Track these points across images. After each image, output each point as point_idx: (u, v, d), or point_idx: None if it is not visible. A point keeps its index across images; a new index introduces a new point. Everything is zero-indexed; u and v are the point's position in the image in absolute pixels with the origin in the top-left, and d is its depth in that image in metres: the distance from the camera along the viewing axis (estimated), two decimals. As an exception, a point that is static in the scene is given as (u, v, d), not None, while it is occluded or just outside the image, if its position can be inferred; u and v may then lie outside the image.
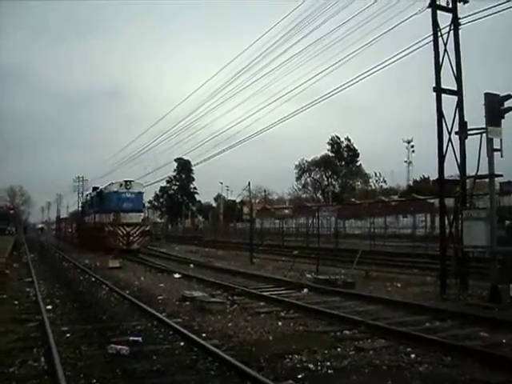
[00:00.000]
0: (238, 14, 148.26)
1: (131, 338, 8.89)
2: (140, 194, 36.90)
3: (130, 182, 36.32)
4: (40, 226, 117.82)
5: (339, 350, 8.54)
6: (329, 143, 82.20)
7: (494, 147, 12.77)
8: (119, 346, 8.25)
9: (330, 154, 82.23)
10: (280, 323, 10.76)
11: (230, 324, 10.66)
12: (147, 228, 36.90)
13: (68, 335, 9.52)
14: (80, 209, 54.63)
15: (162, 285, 17.03)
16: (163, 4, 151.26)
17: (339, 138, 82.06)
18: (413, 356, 8.03)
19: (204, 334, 9.56)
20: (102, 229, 34.84)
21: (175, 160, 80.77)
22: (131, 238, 33.72)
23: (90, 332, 9.75)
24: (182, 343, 8.90)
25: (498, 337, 9.11)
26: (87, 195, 49.82)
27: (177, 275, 19.83)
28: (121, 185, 35.78)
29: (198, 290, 15.07)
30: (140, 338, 8.92)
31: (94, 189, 44.47)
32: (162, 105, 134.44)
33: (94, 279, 18.69)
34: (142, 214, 37.65)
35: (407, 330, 9.50)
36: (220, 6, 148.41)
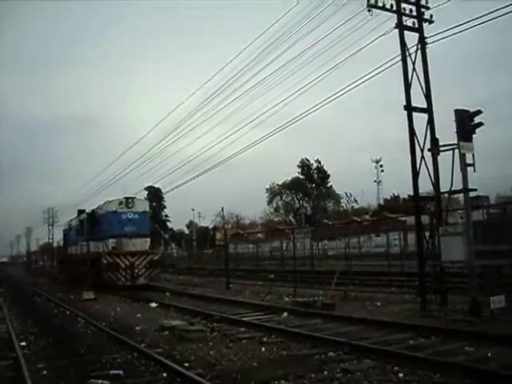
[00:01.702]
0: (207, 39, 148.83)
1: (112, 372, 8.57)
2: (145, 213, 29.90)
3: (133, 198, 29.48)
4: (3, 260, 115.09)
5: (326, 373, 8.39)
6: (299, 166, 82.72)
7: (467, 162, 12.90)
8: (100, 381, 7.96)
9: (301, 177, 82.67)
10: (263, 348, 10.57)
11: (211, 352, 10.42)
12: (156, 257, 29.09)
13: (45, 372, 9.14)
14: (62, 238, 44.90)
15: (138, 315, 16.65)
16: (134, 32, 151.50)
17: (309, 161, 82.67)
18: (401, 375, 7.93)
19: (186, 364, 9.31)
20: (97, 260, 27.49)
21: (146, 188, 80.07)
22: (136, 270, 26.89)
23: (68, 368, 9.36)
24: (164, 374, 8.63)
25: (483, 350, 9.09)
26: (70, 221, 41.09)
27: (153, 304, 19.47)
28: (120, 203, 28.67)
29: (176, 319, 14.79)
30: (121, 371, 8.60)
31: (80, 212, 37.72)
32: (133, 133, 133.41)
33: (68, 312, 18.20)
34: (149, 239, 29.91)
35: (392, 349, 9.42)
36: (190, 31, 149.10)
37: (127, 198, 29.00)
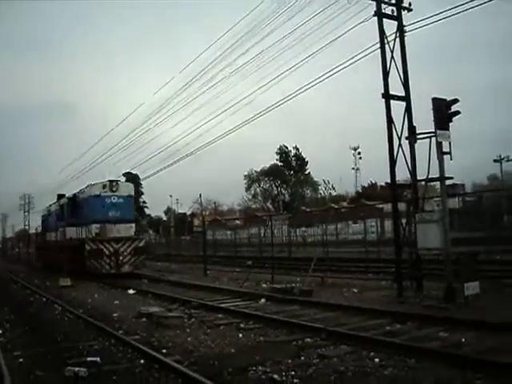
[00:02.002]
0: (186, 23, 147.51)
1: (89, 359, 8.50)
2: (130, 197, 28.16)
3: (117, 182, 27.97)
4: None
5: (303, 358, 8.46)
6: (277, 153, 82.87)
7: (444, 150, 13.02)
8: (77, 368, 7.87)
9: (279, 164, 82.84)
10: (240, 335, 10.62)
11: (189, 338, 10.43)
12: (141, 243, 27.31)
13: (21, 360, 9.05)
14: (40, 224, 42.58)
15: (116, 301, 16.58)
16: (111, 16, 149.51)
17: (287, 148, 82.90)
18: (377, 360, 8.03)
19: (164, 350, 9.31)
20: (79, 247, 25.80)
21: (123, 174, 79.40)
22: (121, 257, 25.45)
23: (44, 355, 9.28)
24: (142, 361, 8.61)
25: (457, 336, 9.26)
26: (49, 206, 38.73)
27: (131, 291, 19.42)
28: (104, 186, 26.92)
29: (153, 306, 14.77)
30: (98, 359, 8.52)
31: (60, 197, 35.32)
32: (112, 120, 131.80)
33: (45, 299, 18.05)
34: (134, 224, 28.15)
35: (369, 335, 9.52)
36: (169, 15, 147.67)
37: (111, 182, 27.28)
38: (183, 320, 12.48)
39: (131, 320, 12.95)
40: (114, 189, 26.90)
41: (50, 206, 38.30)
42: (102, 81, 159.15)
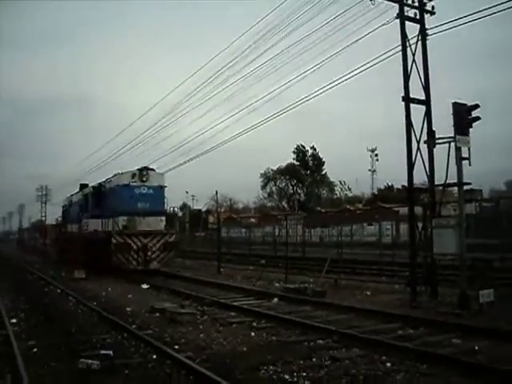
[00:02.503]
0: (208, 20, 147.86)
1: (102, 352, 8.60)
2: (161, 188, 25.63)
3: (148, 170, 25.41)
4: None
5: (314, 360, 8.48)
6: (294, 152, 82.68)
7: (463, 156, 12.93)
8: (90, 361, 7.99)
9: (296, 163, 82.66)
10: (253, 333, 10.67)
11: (201, 335, 10.50)
12: (172, 238, 25.20)
13: (35, 350, 9.22)
14: (61, 215, 40.29)
15: (130, 295, 16.72)
16: (131, 12, 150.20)
17: (304, 147, 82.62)
18: (388, 365, 8.03)
19: (176, 346, 9.39)
20: (105, 240, 24.18)
21: (138, 169, 79.91)
22: (149, 253, 23.82)
23: (58, 346, 9.42)
24: (154, 356, 8.70)
25: (471, 343, 9.20)
26: (71, 196, 36.66)
27: (145, 285, 19.53)
28: (133, 175, 24.86)
29: (167, 301, 14.89)
30: (111, 352, 8.62)
31: (83, 186, 33.28)
32: (131, 113, 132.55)
33: (59, 291, 18.24)
34: (164, 218, 25.86)
35: (381, 339, 9.51)
36: (190, 13, 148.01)
37: (141, 170, 25.06)
38: (196, 317, 12.55)
39: (144, 315, 13.06)
40: (144, 178, 24.83)
41: (72, 195, 36.23)
42: (122, 76, 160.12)
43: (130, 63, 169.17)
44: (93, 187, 28.55)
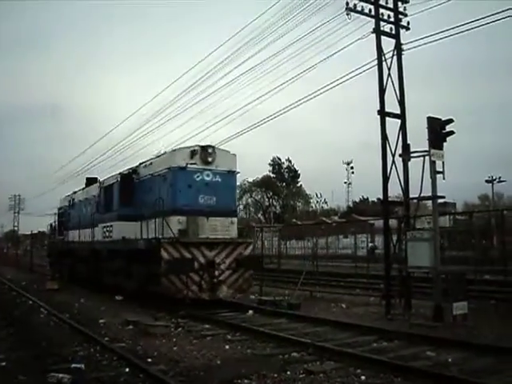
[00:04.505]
0: (184, 31, 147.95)
1: (73, 365, 8.45)
2: (233, 175, 17.58)
3: (213, 148, 17.07)
4: None
5: (289, 373, 8.40)
6: (270, 164, 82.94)
7: (437, 170, 13.06)
8: (60, 375, 7.82)
9: (271, 175, 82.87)
10: (227, 346, 10.56)
11: (175, 348, 10.37)
12: (248, 250, 16.78)
13: (4, 364, 8.98)
14: (56, 221, 31.12)
15: (103, 307, 16.45)
16: (103, 22, 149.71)
17: (280, 159, 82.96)
18: (363, 378, 8.00)
19: (149, 359, 9.25)
20: (147, 254, 15.82)
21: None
22: (217, 272, 15.69)
23: (28, 360, 9.22)
24: (126, 369, 8.54)
25: (444, 356, 9.23)
26: (73, 194, 27.29)
27: (119, 297, 19.26)
28: (192, 153, 16.50)
29: (140, 313, 14.69)
30: (82, 365, 8.48)
31: (90, 181, 25.11)
32: (107, 122, 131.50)
33: (31, 302, 17.91)
34: (236, 219, 18.06)
35: (356, 352, 9.49)
36: (166, 24, 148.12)
37: (204, 148, 16.76)
38: (170, 329, 12.41)
39: (117, 327, 12.87)
40: (210, 159, 16.68)
41: (75, 193, 27.05)
42: (98, 85, 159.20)
43: (109, 72, 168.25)
44: (122, 175, 19.47)
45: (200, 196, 16.43)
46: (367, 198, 73.04)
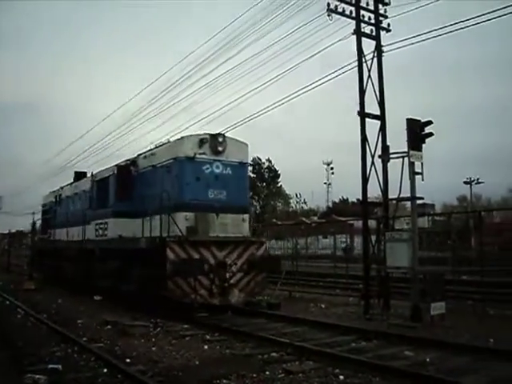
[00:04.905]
0: (163, 31, 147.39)
1: (50, 366, 8.36)
2: (244, 167, 16.19)
3: (224, 136, 15.39)
4: None
5: (268, 373, 8.40)
6: (250, 164, 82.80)
7: (416, 170, 13.16)
8: (37, 376, 7.72)
9: (252, 175, 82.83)
10: (206, 347, 10.53)
11: (154, 348, 10.32)
12: (261, 250, 15.35)
13: (-21, 365, 8.87)
14: (41, 218, 30.00)
15: (81, 308, 16.28)
16: (82, 20, 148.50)
17: (260, 159, 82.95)
18: (342, 377, 8.03)
19: (128, 360, 9.19)
20: (149, 254, 14.33)
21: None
22: (228, 275, 14.26)
23: (3, 360, 9.07)
24: (104, 370, 8.48)
25: (422, 355, 9.31)
26: (60, 189, 25.35)
27: (97, 297, 19.08)
28: (201, 142, 14.94)
29: (119, 313, 14.57)
30: (59, 366, 8.40)
31: (79, 176, 23.72)
32: (85, 121, 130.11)
33: (8, 303, 17.68)
34: (248, 216, 15.87)
35: (334, 352, 9.53)
36: (145, 24, 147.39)
37: (214, 136, 15.15)
38: (149, 329, 12.33)
39: (96, 327, 12.76)
40: (220, 148, 15.10)
41: (62, 188, 25.13)
42: (73, 84, 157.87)
43: (88, 73, 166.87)
44: (119, 167, 17.57)
45: (210, 190, 14.92)
46: (347, 199, 73.45)
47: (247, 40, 21.90)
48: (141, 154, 17.35)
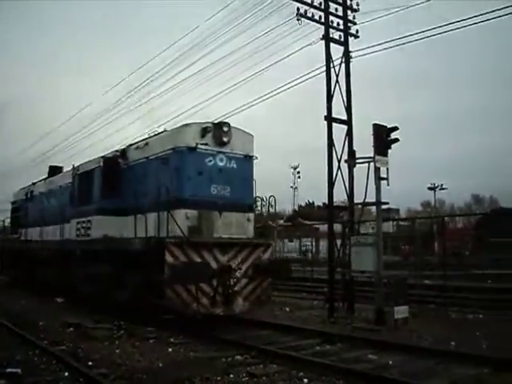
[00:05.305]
0: (133, 31, 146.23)
1: (8, 370, 8.14)
2: (249, 160, 14.23)
3: (229, 126, 13.56)
4: None
5: (232, 376, 8.36)
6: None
7: (381, 176, 13.30)
8: (-5, 380, 7.56)
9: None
10: (170, 349, 10.43)
11: (117, 351, 10.17)
12: (267, 254, 13.66)
13: None
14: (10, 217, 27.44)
15: (43, 310, 15.95)
16: (48, 17, 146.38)
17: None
18: (306, 381, 8.05)
19: (90, 363, 9.02)
20: (142, 256, 12.54)
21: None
22: (233, 281, 12.49)
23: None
24: (66, 373, 8.30)
25: (385, 358, 9.41)
26: (32, 185, 23.26)
27: (60, 299, 18.73)
28: (203, 131, 13.14)
29: (82, 315, 14.33)
30: (19, 370, 8.18)
31: (54, 170, 22.34)
32: (51, 118, 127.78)
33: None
34: (253, 215, 14.41)
35: (299, 355, 9.56)
36: (113, 24, 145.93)
37: (218, 125, 13.45)
38: (112, 332, 12.15)
39: (58, 330, 12.49)
40: (225, 139, 13.42)
41: (34, 184, 23.13)
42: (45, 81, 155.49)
43: (56, 70, 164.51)
44: (105, 159, 15.51)
45: (213, 185, 13.22)
46: (313, 203, 73.86)
47: (214, 43, 21.84)
48: (132, 145, 15.48)
